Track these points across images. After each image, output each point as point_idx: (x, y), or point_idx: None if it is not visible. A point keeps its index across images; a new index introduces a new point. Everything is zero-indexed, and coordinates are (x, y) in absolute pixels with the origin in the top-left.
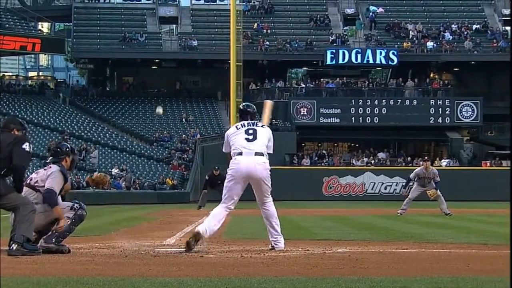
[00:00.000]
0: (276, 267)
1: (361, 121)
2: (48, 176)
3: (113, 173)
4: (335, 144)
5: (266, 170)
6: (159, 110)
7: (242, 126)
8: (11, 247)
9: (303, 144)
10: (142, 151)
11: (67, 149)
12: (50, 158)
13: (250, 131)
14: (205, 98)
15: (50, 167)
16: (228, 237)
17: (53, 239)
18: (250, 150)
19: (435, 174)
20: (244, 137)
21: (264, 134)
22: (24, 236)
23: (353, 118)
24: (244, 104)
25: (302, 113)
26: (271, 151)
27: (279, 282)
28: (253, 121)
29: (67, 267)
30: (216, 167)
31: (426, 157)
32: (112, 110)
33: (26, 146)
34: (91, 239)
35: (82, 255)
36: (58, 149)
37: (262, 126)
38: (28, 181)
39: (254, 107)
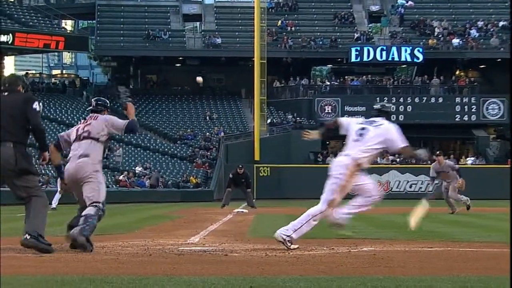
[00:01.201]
0: (301, 265)
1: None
2: (109, 123)
3: (136, 171)
4: None
5: (341, 175)
6: (199, 79)
7: (360, 123)
8: (25, 237)
9: (327, 142)
10: (166, 149)
11: (107, 104)
12: (90, 108)
13: (361, 132)
14: (229, 96)
15: (97, 116)
16: (253, 236)
17: (84, 233)
18: (349, 152)
19: (451, 165)
20: (353, 137)
21: (377, 136)
22: (37, 232)
23: None
24: (380, 103)
25: (326, 111)
26: (400, 144)
27: (304, 281)
28: (373, 119)
29: (91, 265)
30: (240, 166)
31: (438, 152)
32: (136, 108)
33: (36, 105)
34: (115, 237)
35: (106, 253)
36: (100, 102)
37: (380, 125)
38: (80, 133)
39: (390, 107)
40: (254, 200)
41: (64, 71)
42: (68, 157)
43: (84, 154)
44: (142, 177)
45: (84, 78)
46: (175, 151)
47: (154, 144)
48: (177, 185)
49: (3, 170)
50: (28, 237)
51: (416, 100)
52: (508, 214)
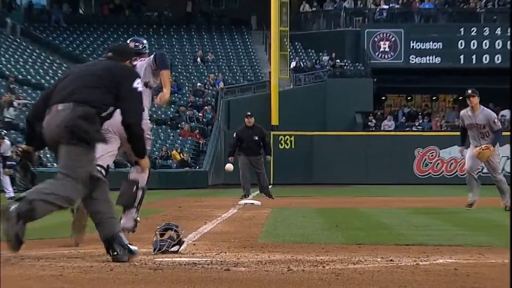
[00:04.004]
0: (342, 285)
1: (474, 62)
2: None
3: None
4: (434, 97)
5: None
6: (229, 166)
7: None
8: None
9: (383, 98)
10: None
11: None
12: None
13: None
14: (232, 26)
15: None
16: (268, 241)
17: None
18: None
19: (490, 119)
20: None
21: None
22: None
23: (461, 56)
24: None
25: (382, 50)
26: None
27: None
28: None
29: (22, 284)
30: (249, 113)
31: (469, 90)
32: (88, 45)
33: (138, 83)
34: (59, 242)
35: (44, 267)
36: (138, 43)
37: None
38: None
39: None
40: (270, 187)
41: None
42: None
43: None
44: None
45: None
46: (149, 111)
47: None
48: (153, 164)
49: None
50: (120, 251)
51: None
52: None
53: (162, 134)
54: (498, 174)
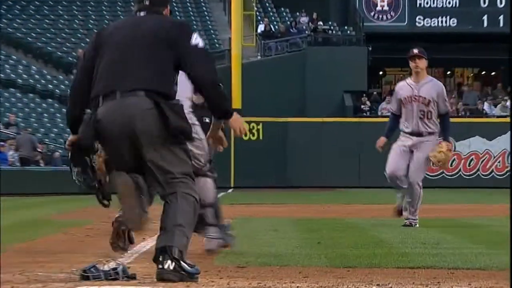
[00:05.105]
0: None
1: (501, 25)
2: None
3: None
4: (448, 72)
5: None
6: None
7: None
8: (164, 265)
9: (381, 73)
10: (51, 87)
11: None
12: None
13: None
14: None
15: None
16: (228, 263)
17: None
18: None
19: (441, 93)
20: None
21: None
22: (180, 252)
23: (484, 17)
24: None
25: (379, 9)
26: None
27: None
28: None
29: None
30: None
31: (416, 50)
32: (7, 12)
33: (198, 40)
34: None
35: None
36: None
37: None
38: None
39: None
40: (230, 191)
41: None
42: None
43: None
44: (2, 143)
45: None
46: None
47: (27, 76)
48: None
49: (141, 137)
50: (171, 265)
51: None
52: None
53: None
54: (420, 179)
